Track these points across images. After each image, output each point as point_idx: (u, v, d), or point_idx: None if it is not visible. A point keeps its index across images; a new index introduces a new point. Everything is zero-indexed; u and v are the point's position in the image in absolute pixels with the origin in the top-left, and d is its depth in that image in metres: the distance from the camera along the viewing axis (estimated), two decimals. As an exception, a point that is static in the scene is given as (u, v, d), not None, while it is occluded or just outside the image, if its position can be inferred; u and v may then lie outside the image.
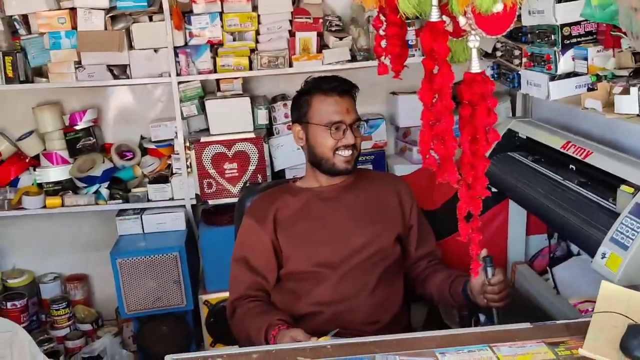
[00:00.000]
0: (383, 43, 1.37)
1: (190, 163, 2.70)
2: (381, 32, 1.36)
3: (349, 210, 1.82)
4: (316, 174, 1.85)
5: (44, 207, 2.72)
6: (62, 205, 2.72)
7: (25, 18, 2.62)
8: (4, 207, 2.71)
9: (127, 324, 2.93)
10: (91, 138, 2.78)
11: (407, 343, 1.30)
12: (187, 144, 2.68)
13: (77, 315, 2.92)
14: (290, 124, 2.05)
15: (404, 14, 1.12)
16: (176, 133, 2.74)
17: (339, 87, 1.78)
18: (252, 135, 2.69)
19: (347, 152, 1.77)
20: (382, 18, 1.34)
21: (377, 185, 1.91)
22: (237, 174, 2.71)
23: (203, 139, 2.66)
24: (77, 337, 2.81)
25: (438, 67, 1.11)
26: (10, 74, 2.59)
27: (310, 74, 2.00)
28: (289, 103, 2.28)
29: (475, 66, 1.14)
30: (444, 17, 1.11)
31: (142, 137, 2.93)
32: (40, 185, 2.77)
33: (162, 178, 2.78)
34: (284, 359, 1.27)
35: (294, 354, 1.27)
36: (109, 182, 2.77)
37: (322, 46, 2.73)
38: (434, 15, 1.09)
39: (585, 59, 1.77)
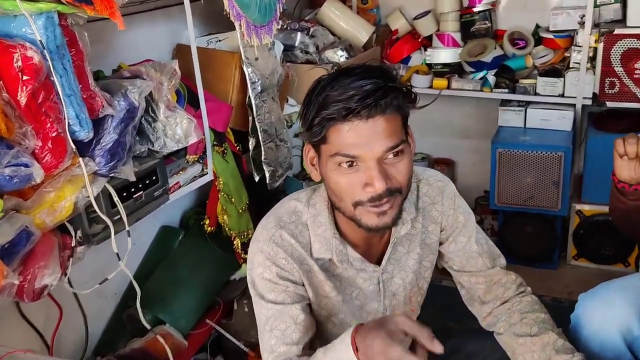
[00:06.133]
0: None
1: (594, 57, 2.42)
2: None
3: None
4: None
5: (430, 87, 2.77)
6: (448, 87, 2.74)
7: None
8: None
9: (485, 216, 2.92)
10: (486, 22, 2.69)
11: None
12: (595, 36, 2.39)
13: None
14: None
15: None
16: (582, 22, 2.46)
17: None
18: (681, 31, 2.26)
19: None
20: None
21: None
22: (648, 76, 2.34)
23: (617, 31, 2.33)
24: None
25: None
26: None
27: None
28: None
29: None
30: None
31: (537, 26, 2.72)
32: (429, 65, 2.82)
33: (554, 71, 2.57)
34: None
35: None
36: (497, 70, 2.67)
37: None
38: None
39: None
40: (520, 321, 1.26)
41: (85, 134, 1.29)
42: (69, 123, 1.25)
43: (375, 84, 1.01)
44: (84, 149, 1.34)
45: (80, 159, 1.30)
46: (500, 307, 1.32)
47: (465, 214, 1.32)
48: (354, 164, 1.05)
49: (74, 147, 1.27)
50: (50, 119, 1.22)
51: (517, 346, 1.24)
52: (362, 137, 1.02)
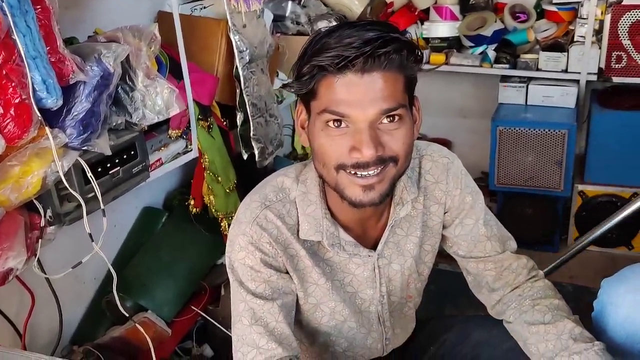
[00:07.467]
0: None
1: (600, 30, 2.31)
2: None
3: None
4: None
5: (427, 62, 2.65)
6: (446, 63, 2.62)
7: None
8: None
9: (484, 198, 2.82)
10: (488, -6, 2.57)
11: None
12: (601, 7, 2.28)
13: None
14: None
15: None
16: (588, -7, 2.35)
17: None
18: (691, 1, 2.15)
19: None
20: None
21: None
22: (657, 49, 2.23)
23: (626, 2, 2.22)
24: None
25: None
26: None
27: None
28: None
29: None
30: None
31: (540, -2, 2.61)
32: (426, 40, 2.70)
33: (557, 46, 2.46)
34: None
35: None
36: (497, 44, 2.56)
37: None
38: None
39: None
40: (532, 308, 1.15)
41: (53, 102, 1.16)
42: (34, 88, 1.12)
43: (376, 34, 0.90)
44: (53, 119, 1.22)
45: (49, 129, 1.18)
46: (510, 294, 1.21)
47: (474, 194, 1.20)
48: (343, 124, 0.94)
49: (40, 115, 1.14)
50: (13, 84, 1.10)
51: (529, 335, 1.13)
52: (354, 93, 0.91)
